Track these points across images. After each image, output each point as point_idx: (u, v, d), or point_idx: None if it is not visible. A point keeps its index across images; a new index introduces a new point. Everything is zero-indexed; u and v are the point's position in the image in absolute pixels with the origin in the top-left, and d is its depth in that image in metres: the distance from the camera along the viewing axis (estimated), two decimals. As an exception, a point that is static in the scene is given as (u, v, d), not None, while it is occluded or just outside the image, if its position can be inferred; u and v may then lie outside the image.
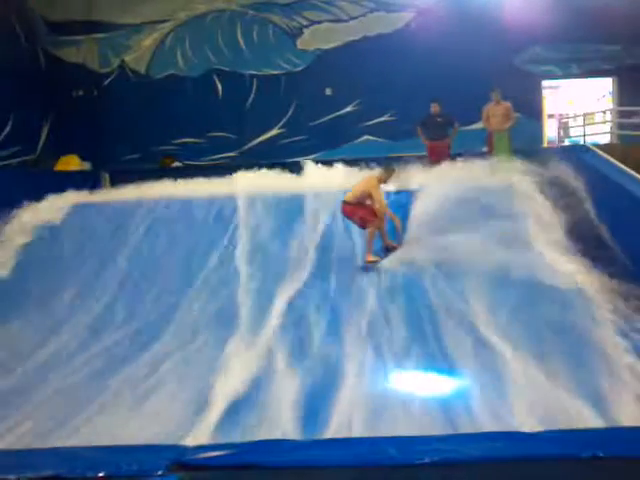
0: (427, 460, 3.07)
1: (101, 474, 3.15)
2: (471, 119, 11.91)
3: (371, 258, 7.30)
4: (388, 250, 7.57)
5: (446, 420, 4.84)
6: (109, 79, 14.96)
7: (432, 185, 8.27)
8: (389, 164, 7.79)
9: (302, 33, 14.76)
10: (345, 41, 14.60)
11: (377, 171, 7.80)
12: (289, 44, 14.78)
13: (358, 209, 7.40)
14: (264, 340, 6.07)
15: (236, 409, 5.09)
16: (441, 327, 6.07)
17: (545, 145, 14.49)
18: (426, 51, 13.72)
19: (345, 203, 7.48)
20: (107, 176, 12.84)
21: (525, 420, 4.71)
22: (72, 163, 13.53)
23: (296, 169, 9.75)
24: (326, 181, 9.09)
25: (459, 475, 3.06)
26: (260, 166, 10.02)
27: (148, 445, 3.79)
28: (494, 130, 10.44)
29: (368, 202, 7.45)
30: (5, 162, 12.51)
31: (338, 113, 14.56)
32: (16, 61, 13.17)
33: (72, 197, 9.39)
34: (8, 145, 12.69)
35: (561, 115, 15.62)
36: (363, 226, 7.46)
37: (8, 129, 12.65)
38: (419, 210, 7.88)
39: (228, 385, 5.35)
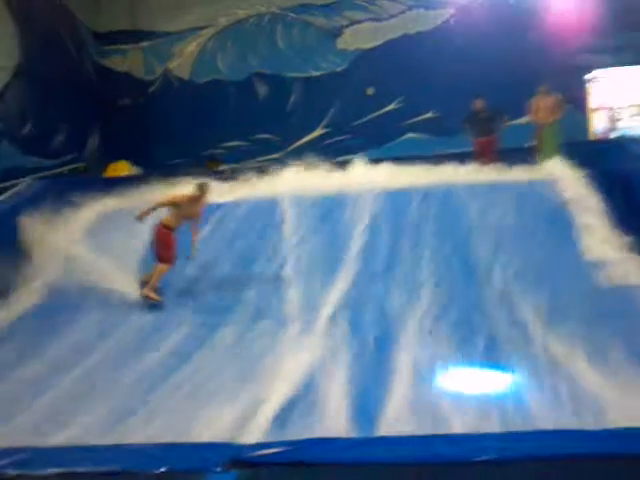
0: (483, 457, 3.07)
1: (162, 469, 3.28)
2: (516, 114, 11.70)
3: (151, 294, 6.91)
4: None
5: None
6: (154, 86, 15.30)
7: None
8: (202, 182, 7.31)
9: (342, 33, 14.80)
10: (385, 39, 14.58)
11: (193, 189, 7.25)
12: (329, 45, 14.84)
13: (170, 242, 6.99)
14: None
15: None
16: None
17: (592, 137, 14.14)
18: (467, 47, 13.56)
19: (163, 226, 7.01)
20: (156, 181, 13.08)
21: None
22: (121, 169, 13.86)
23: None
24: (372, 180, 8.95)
25: (515, 472, 3.06)
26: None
27: (207, 443, 3.90)
28: (542, 123, 10.22)
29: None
30: (57, 170, 12.94)
31: (380, 112, 14.54)
32: (67, 72, 13.61)
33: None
34: (60, 154, 13.12)
35: (610, 107, 15.20)
36: (161, 260, 6.98)
37: (60, 138, 13.09)
38: None
39: None
